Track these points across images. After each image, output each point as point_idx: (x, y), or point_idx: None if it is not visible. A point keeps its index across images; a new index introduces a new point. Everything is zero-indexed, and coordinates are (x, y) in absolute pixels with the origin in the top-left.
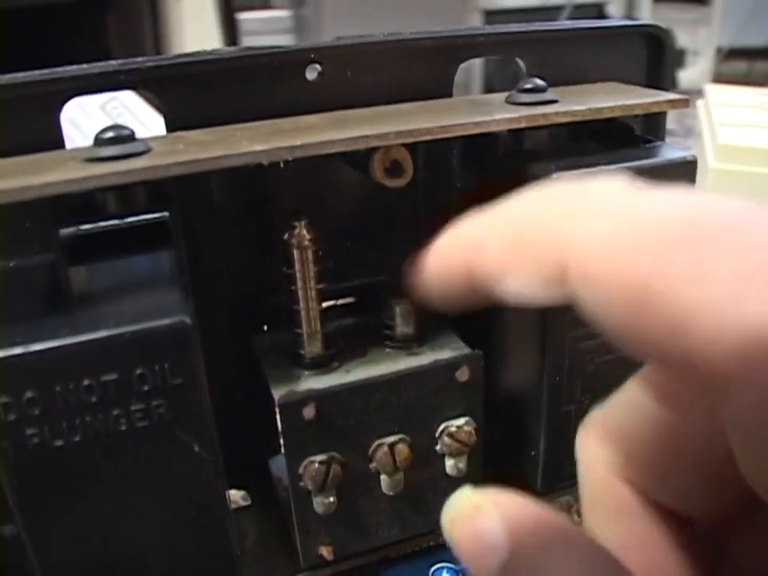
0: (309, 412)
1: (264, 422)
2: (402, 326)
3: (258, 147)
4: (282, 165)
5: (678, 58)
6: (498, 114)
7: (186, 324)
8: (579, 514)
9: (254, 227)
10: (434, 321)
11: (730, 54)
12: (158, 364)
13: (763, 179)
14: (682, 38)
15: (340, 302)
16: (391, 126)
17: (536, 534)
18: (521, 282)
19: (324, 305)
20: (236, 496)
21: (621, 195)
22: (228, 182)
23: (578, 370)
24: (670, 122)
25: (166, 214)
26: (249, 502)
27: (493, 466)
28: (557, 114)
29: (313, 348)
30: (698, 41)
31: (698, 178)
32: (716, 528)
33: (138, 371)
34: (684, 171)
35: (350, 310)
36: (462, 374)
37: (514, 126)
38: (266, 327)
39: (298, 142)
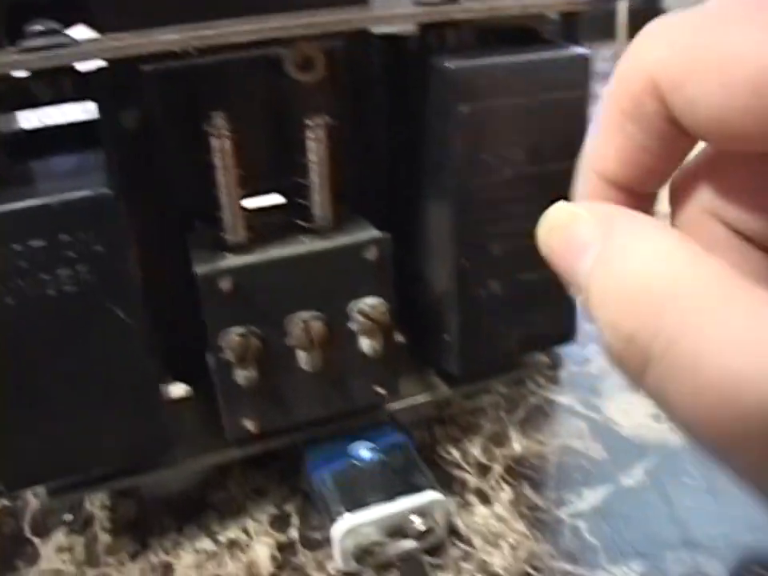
0: (226, 284)
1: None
2: (320, 215)
3: (172, 37)
4: (193, 52)
5: None
6: (400, 11)
7: (108, 194)
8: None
9: (186, 131)
10: (350, 211)
11: None
12: (82, 232)
13: None
14: None
15: (263, 199)
16: (296, 21)
17: (625, 223)
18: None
19: (249, 203)
20: (179, 390)
21: None
22: (158, 84)
23: (485, 254)
24: None
25: (97, 116)
26: (191, 394)
27: (412, 350)
28: (455, 11)
29: (235, 232)
30: (687, 3)
31: None
32: None
33: (64, 238)
34: (577, 65)
35: (274, 208)
36: (371, 254)
37: (410, 22)
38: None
39: (209, 33)
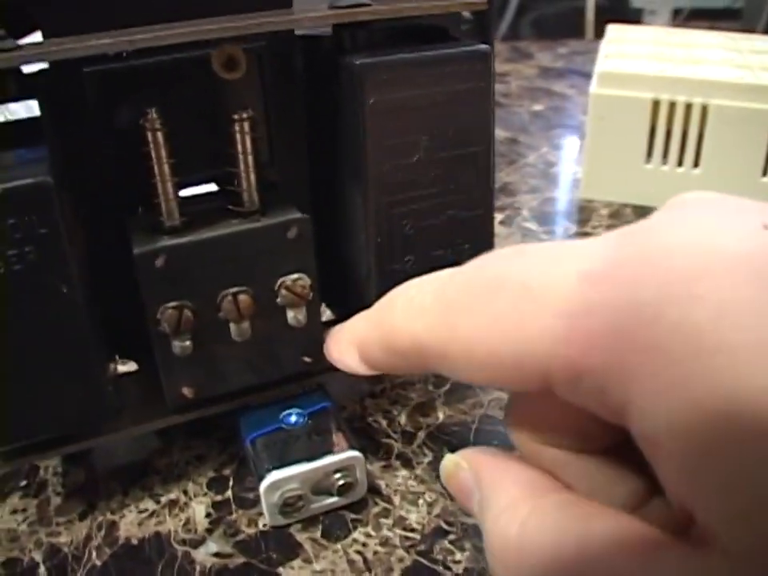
0: (160, 261)
1: None
2: (248, 200)
3: (105, 41)
4: (125, 54)
5: (635, 18)
6: (312, 13)
7: (49, 182)
8: None
9: (126, 126)
10: (278, 197)
11: (692, 14)
12: (27, 216)
13: (635, 102)
14: None
15: (197, 188)
16: (218, 25)
17: (492, 470)
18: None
19: (186, 192)
20: (127, 367)
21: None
22: (98, 83)
23: (397, 232)
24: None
25: (38, 113)
26: (137, 368)
27: (341, 319)
28: (363, 13)
29: (170, 216)
30: (655, 0)
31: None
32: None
33: (11, 221)
34: (476, 59)
35: (209, 195)
36: (292, 233)
37: (321, 22)
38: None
39: (139, 36)
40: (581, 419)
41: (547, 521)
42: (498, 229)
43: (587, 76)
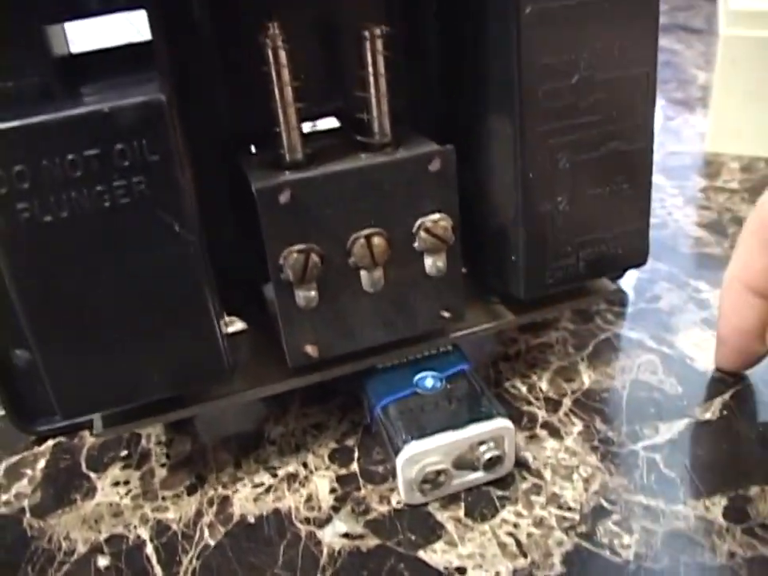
0: (284, 197)
1: (257, 252)
2: (379, 131)
3: None
4: None
5: None
6: None
7: (161, 100)
8: None
9: (237, 48)
10: (409, 130)
11: None
12: (135, 140)
13: None
14: None
15: (321, 122)
16: None
17: None
18: None
19: (306, 126)
20: (234, 324)
21: None
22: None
23: (550, 167)
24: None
25: (150, 37)
26: (245, 326)
27: (475, 272)
28: None
29: (293, 149)
30: None
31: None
32: None
33: (118, 146)
34: None
35: (329, 131)
36: (434, 166)
37: None
38: (253, 149)
39: None
40: None
41: None
42: None
43: (691, 30)
